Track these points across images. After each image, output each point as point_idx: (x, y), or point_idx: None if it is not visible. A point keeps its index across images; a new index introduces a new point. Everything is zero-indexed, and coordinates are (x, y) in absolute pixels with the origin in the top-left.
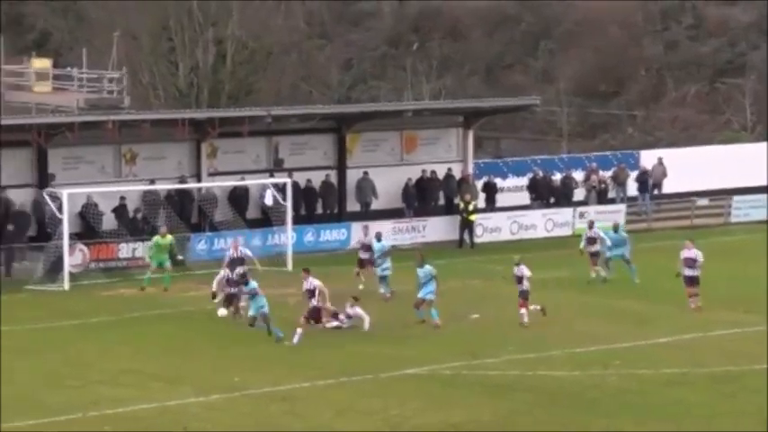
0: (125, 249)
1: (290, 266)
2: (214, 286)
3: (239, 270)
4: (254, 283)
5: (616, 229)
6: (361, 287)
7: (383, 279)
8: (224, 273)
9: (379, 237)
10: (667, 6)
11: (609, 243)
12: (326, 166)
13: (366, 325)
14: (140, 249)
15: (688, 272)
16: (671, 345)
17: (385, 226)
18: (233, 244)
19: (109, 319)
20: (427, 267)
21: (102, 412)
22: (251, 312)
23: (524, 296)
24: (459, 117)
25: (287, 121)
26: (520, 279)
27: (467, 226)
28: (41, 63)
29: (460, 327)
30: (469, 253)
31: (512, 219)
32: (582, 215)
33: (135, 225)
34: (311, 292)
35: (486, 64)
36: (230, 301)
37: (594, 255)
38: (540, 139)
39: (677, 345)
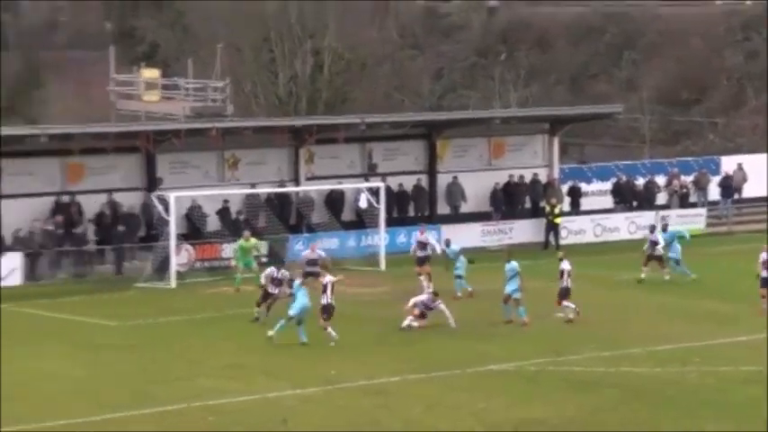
0: (228, 249)
1: (382, 266)
2: (262, 280)
3: (285, 273)
4: (296, 283)
5: (665, 228)
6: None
7: (459, 278)
8: (271, 270)
9: (448, 243)
10: (748, 18)
11: (662, 243)
12: (418, 171)
13: (452, 322)
14: None
15: (765, 273)
16: (749, 344)
17: (474, 228)
18: (311, 246)
19: (213, 315)
20: (513, 263)
21: (205, 403)
22: (291, 312)
23: (564, 294)
24: (545, 124)
25: (380, 128)
26: (562, 273)
27: (552, 228)
28: (150, 73)
29: (545, 325)
30: (554, 254)
31: (595, 222)
32: (663, 218)
33: (237, 226)
34: (324, 287)
35: (571, 73)
36: (266, 298)
37: (653, 258)
38: (623, 145)
39: (755, 344)
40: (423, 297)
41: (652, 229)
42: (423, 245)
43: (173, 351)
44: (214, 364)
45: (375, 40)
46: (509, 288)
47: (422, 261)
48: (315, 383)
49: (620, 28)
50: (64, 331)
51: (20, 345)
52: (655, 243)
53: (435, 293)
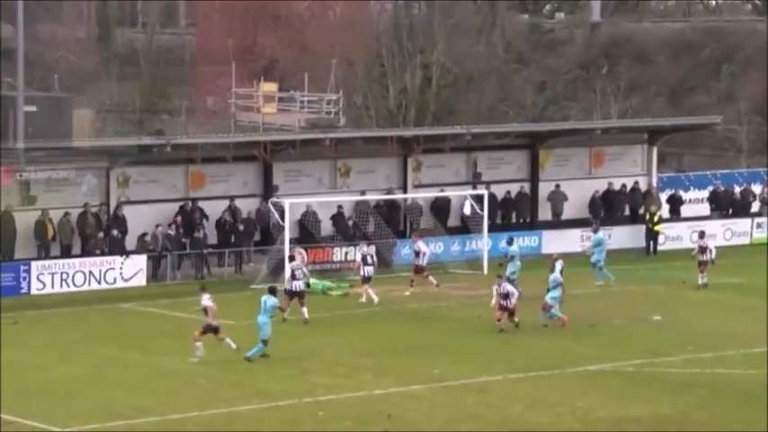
0: (338, 253)
1: (485, 270)
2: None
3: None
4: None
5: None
6: (407, 293)
7: (513, 282)
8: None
9: (510, 241)
10: None
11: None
12: (521, 179)
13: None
14: (352, 253)
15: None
16: None
17: (573, 234)
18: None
19: (323, 315)
20: (556, 275)
21: (315, 399)
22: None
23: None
24: (644, 134)
25: (485, 138)
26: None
27: (652, 235)
28: (268, 87)
29: (642, 327)
30: (651, 260)
31: (692, 228)
32: (759, 225)
33: (347, 231)
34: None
35: (670, 86)
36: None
37: (702, 263)
38: (720, 155)
39: None
40: (495, 288)
41: (702, 234)
42: (417, 253)
43: (285, 349)
44: (324, 361)
45: (481, 54)
46: (548, 297)
47: (418, 270)
48: (419, 381)
49: (719, 43)
50: (184, 329)
51: (142, 342)
52: (703, 249)
53: (500, 276)
